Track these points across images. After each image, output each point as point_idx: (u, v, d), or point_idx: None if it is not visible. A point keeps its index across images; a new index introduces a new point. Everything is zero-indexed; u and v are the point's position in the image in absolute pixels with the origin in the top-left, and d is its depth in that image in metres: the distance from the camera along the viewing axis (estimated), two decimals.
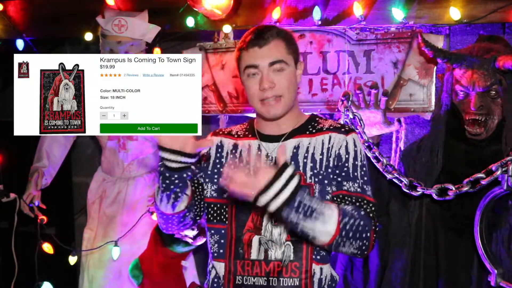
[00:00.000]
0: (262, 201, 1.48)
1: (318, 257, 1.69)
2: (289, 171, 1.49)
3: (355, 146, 1.71)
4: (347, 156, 1.69)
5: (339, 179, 1.68)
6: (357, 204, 1.63)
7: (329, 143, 1.72)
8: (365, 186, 1.68)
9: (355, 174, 1.68)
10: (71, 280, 3.30)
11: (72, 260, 2.94)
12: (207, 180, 1.80)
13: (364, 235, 1.57)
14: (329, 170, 1.69)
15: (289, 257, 1.68)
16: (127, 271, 2.67)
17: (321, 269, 1.70)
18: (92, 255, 2.90)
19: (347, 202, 1.64)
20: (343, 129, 1.74)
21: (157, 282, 2.58)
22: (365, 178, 1.70)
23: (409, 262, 2.21)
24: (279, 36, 1.70)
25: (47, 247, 2.84)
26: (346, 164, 1.69)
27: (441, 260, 2.16)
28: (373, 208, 1.65)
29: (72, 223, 3.77)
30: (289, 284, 1.68)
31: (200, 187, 1.79)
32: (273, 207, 1.49)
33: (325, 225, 1.51)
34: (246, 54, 1.70)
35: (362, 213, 1.60)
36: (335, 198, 1.67)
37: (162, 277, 2.57)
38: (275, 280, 1.68)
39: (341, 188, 1.67)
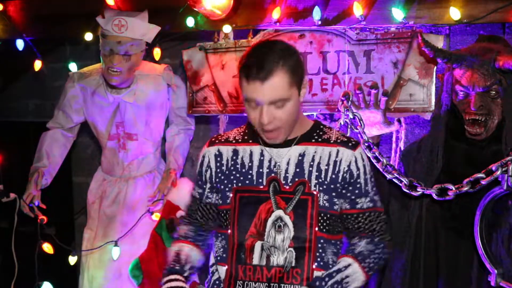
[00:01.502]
0: None
1: (322, 263, 1.70)
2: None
3: (363, 160, 1.78)
4: (358, 172, 1.75)
5: (353, 196, 1.76)
6: (370, 223, 1.76)
7: (336, 156, 1.74)
8: (375, 197, 1.80)
9: (367, 188, 1.77)
10: (71, 280, 3.30)
11: (72, 260, 2.94)
12: (213, 191, 1.83)
13: (384, 256, 1.77)
14: (338, 185, 1.74)
15: (291, 263, 1.68)
16: (127, 271, 2.67)
17: (322, 274, 1.70)
18: (92, 255, 2.90)
19: (360, 220, 1.76)
20: (350, 144, 1.77)
21: (157, 282, 2.57)
22: (375, 189, 1.81)
23: (409, 262, 2.20)
24: (283, 65, 1.59)
25: (47, 247, 2.85)
26: (358, 180, 1.75)
27: (441, 260, 2.15)
28: (383, 217, 1.80)
29: (72, 223, 3.77)
30: None
31: (208, 206, 1.85)
32: None
33: (354, 282, 1.68)
34: (247, 86, 1.61)
35: (376, 239, 1.75)
36: (349, 217, 1.76)
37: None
38: (276, 286, 1.68)
39: (354, 207, 1.76)
